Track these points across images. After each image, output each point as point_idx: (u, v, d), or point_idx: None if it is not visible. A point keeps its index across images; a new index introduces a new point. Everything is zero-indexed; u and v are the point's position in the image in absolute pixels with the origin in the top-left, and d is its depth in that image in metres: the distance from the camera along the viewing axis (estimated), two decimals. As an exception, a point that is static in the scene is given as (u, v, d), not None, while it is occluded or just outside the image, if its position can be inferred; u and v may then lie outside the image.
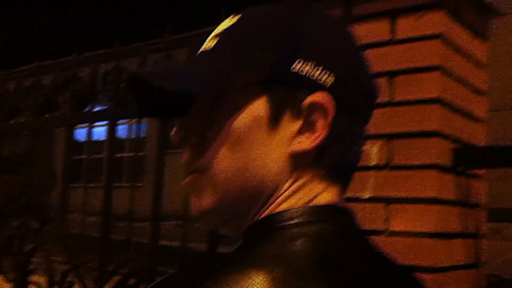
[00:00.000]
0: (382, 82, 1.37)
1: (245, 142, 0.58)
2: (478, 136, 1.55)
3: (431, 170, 1.32)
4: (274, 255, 0.53)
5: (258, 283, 0.49)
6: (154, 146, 1.90)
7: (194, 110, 0.63)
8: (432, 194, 1.31)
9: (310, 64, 0.58)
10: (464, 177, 1.45)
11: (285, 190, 0.59)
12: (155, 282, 0.53)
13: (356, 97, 0.61)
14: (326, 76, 0.58)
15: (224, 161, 0.59)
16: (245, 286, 0.49)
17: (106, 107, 2.13)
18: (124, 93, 2.05)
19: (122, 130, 2.15)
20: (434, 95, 1.32)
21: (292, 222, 0.57)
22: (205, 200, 0.60)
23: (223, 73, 0.58)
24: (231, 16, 0.64)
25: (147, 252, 1.83)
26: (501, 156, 1.45)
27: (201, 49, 0.64)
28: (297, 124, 0.58)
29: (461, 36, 1.44)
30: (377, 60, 1.36)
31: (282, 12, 0.62)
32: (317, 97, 0.58)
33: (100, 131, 2.30)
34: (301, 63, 0.58)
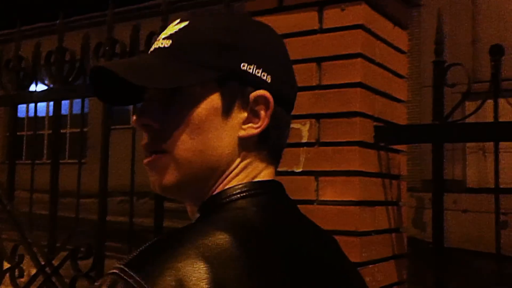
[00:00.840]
0: (311, 67, 1.50)
1: (203, 128, 0.70)
2: (399, 116, 1.71)
3: (355, 146, 1.46)
4: (231, 220, 0.67)
5: (221, 239, 0.62)
6: (98, 122, 1.93)
7: (155, 101, 0.73)
8: (356, 167, 1.46)
9: (253, 66, 0.72)
10: (385, 152, 1.61)
11: (235, 168, 0.72)
12: (141, 248, 0.62)
13: (286, 91, 0.77)
14: (265, 75, 0.73)
15: (186, 143, 0.70)
16: (211, 242, 0.61)
17: (49, 86, 2.15)
18: (68, 73, 2.08)
19: (63, 105, 2.17)
20: (356, 79, 1.46)
21: (242, 194, 0.71)
22: (169, 177, 0.71)
23: (187, 72, 0.69)
24: (178, 20, 0.75)
25: (95, 228, 1.89)
26: (416, 134, 1.62)
27: (155, 46, 0.74)
28: (245, 114, 0.72)
29: (382, 26, 1.59)
30: (307, 47, 1.49)
31: (227, 21, 0.75)
32: (261, 92, 0.72)
33: (39, 107, 2.31)
34: (247, 65, 0.72)
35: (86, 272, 1.92)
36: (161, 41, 0.74)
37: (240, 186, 0.72)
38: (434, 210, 1.49)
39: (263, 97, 0.72)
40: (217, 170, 0.72)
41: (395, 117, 1.68)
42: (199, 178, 0.72)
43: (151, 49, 0.75)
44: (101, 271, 1.90)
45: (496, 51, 1.39)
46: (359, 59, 1.46)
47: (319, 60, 1.50)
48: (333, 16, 1.49)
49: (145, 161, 0.73)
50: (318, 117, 1.50)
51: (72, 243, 1.95)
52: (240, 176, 0.73)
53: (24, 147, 16.00)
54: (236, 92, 0.72)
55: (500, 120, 1.43)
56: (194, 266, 0.58)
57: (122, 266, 0.59)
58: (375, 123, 1.55)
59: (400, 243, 1.70)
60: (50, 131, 2.23)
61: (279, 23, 1.54)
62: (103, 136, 1.92)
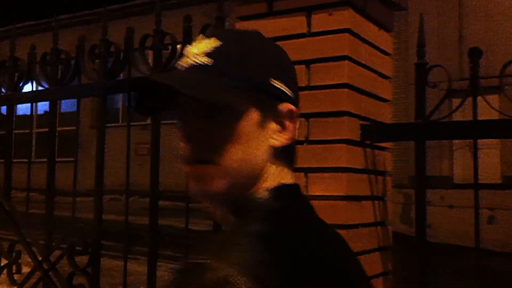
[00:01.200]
0: (301, 69, 1.57)
1: (246, 140, 0.79)
2: (384, 115, 1.78)
3: (343, 144, 1.54)
4: (261, 221, 0.75)
5: (251, 236, 0.71)
6: (85, 121, 1.98)
7: (199, 116, 0.80)
8: (343, 164, 1.53)
9: (279, 81, 0.81)
10: (371, 149, 1.68)
11: (266, 173, 0.82)
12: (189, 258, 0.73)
13: (298, 103, 0.87)
14: (287, 90, 0.83)
15: (233, 154, 0.79)
16: (241, 240, 0.70)
17: (37, 87, 2.20)
18: (63, 74, 2.13)
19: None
20: (343, 80, 1.54)
21: (271, 197, 0.80)
22: (217, 185, 0.79)
23: (234, 89, 0.78)
24: (202, 36, 0.83)
25: (92, 224, 1.94)
26: (400, 132, 1.70)
27: (193, 62, 0.80)
28: (275, 125, 0.82)
29: (367, 29, 1.66)
30: (296, 50, 1.56)
31: (253, 41, 0.84)
32: (288, 106, 0.82)
33: (26, 106, 2.36)
34: (275, 81, 0.81)
35: (83, 268, 1.96)
36: (199, 58, 0.80)
37: (271, 189, 0.81)
38: (417, 205, 1.56)
39: (289, 110, 0.82)
40: (255, 176, 0.81)
41: (381, 116, 1.75)
42: (241, 184, 0.81)
43: (185, 63, 0.81)
44: (98, 267, 1.95)
45: (475, 54, 1.47)
46: (346, 61, 1.53)
47: (307, 62, 1.57)
48: (321, 21, 1.56)
49: (189, 169, 0.81)
50: (307, 116, 1.57)
51: (66, 241, 1.99)
52: (270, 180, 0.82)
53: (12, 146, 15.83)
54: (268, 106, 0.81)
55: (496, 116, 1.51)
56: (262, 256, 0.68)
57: (209, 260, 0.67)
58: (361, 122, 1.62)
59: (386, 235, 1.77)
60: (38, 130, 2.26)
61: (269, 27, 1.61)
62: (99, 135, 1.97)
